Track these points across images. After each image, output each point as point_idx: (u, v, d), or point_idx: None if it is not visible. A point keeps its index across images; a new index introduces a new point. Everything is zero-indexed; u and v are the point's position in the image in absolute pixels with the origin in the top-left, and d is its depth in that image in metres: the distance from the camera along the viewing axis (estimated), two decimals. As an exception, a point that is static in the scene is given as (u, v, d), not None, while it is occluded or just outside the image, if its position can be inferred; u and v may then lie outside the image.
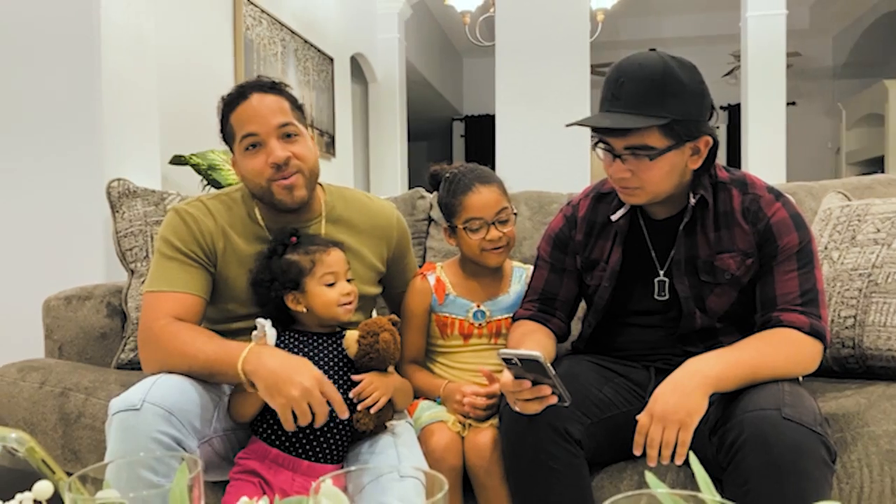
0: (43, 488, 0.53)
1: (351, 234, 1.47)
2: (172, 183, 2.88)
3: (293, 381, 1.17)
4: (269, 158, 1.33)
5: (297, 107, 1.40)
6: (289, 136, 1.35)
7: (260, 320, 1.31)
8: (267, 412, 1.28)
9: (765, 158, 5.08)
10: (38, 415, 1.63)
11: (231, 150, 1.42)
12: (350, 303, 1.35)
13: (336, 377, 1.32)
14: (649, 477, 0.46)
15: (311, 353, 1.32)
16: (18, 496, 0.58)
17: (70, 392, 1.63)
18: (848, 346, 1.51)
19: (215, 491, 1.45)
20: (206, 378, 1.24)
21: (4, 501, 0.59)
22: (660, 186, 1.29)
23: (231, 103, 1.37)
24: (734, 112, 8.04)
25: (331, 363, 1.32)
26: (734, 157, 7.62)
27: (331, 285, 1.33)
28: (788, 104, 5.40)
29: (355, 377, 1.32)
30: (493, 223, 1.49)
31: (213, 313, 1.42)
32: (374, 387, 1.31)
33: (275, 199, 1.36)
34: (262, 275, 1.35)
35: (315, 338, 1.35)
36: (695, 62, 1.29)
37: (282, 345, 1.31)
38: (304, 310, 1.33)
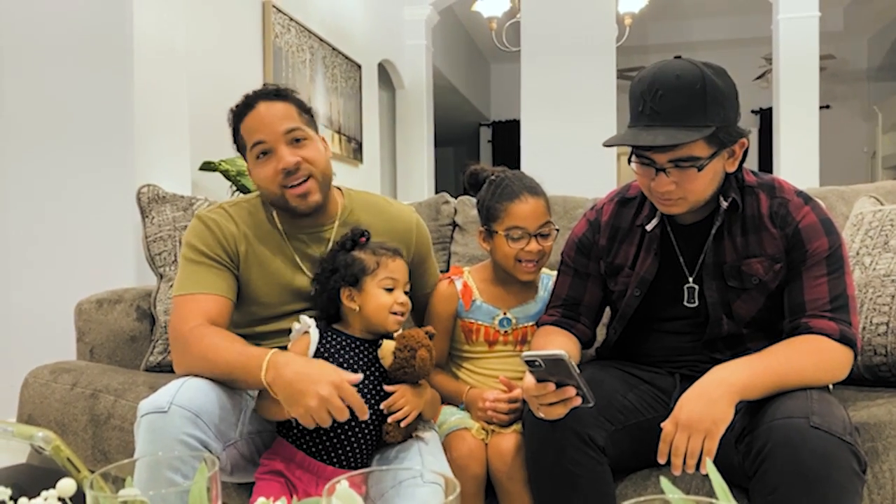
0: (66, 486, 0.54)
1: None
2: (202, 189, 2.92)
3: (310, 392, 1.15)
4: (279, 165, 1.35)
5: (306, 111, 1.43)
6: (297, 140, 1.37)
7: (304, 317, 1.32)
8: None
9: (797, 163, 4.99)
10: (69, 416, 1.66)
11: (245, 159, 1.45)
12: (402, 314, 1.35)
13: (369, 385, 1.31)
14: (664, 482, 0.45)
15: (348, 358, 1.31)
16: (44, 493, 0.59)
17: (100, 394, 1.66)
18: (880, 354, 1.47)
19: (241, 493, 1.46)
20: (228, 383, 1.25)
21: (30, 499, 0.60)
22: (703, 195, 1.27)
23: (239, 114, 1.40)
24: (766, 116, 7.93)
25: (365, 371, 1.32)
26: (766, 162, 7.50)
27: (389, 291, 1.34)
28: (822, 108, 5.30)
29: (388, 388, 1.32)
30: (535, 235, 1.47)
31: (236, 317, 1.43)
32: (406, 400, 1.31)
33: (290, 206, 1.39)
34: (326, 266, 1.37)
35: (355, 343, 1.34)
36: (725, 66, 1.27)
37: (321, 347, 1.31)
38: (357, 308, 1.33)
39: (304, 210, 1.39)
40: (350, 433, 1.27)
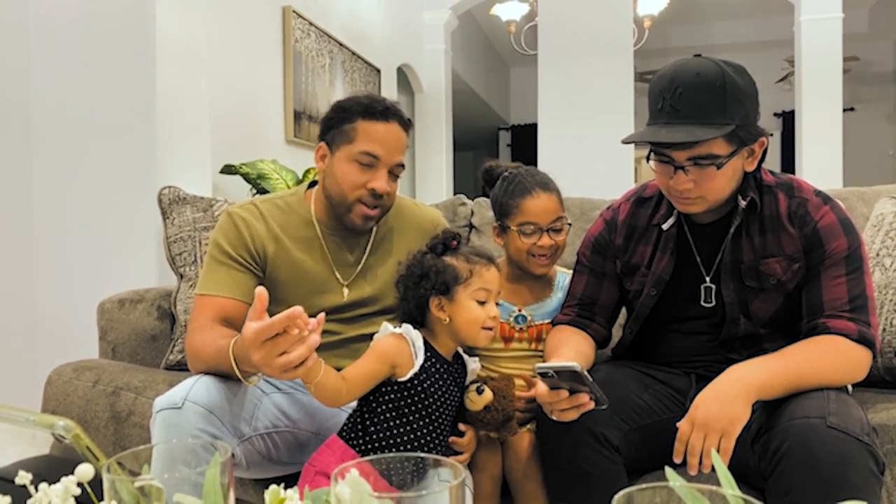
0: (84, 471, 0.55)
1: (398, 240, 1.52)
2: (223, 192, 2.96)
3: (247, 352, 1.07)
4: (372, 183, 1.37)
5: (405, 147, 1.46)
6: (395, 176, 1.41)
7: (409, 327, 1.26)
8: (362, 427, 1.24)
9: (820, 166, 4.93)
10: (91, 412, 1.69)
11: (329, 141, 1.42)
12: (493, 328, 1.27)
13: (450, 409, 1.28)
14: (668, 471, 0.46)
15: (442, 384, 1.26)
16: (64, 479, 0.61)
17: (121, 391, 1.69)
18: (901, 356, 1.45)
19: (257, 489, 1.48)
20: (227, 376, 1.23)
21: (50, 484, 0.62)
22: (721, 193, 1.26)
23: (371, 113, 1.38)
24: (788, 119, 7.84)
25: (451, 399, 1.28)
26: (788, 166, 7.41)
27: (481, 303, 1.26)
28: (846, 110, 5.24)
29: (462, 427, 1.31)
30: (547, 230, 1.49)
31: None
32: (471, 446, 1.32)
33: (346, 216, 1.40)
34: (414, 269, 1.28)
35: (447, 366, 1.29)
36: (747, 68, 1.26)
37: (427, 362, 1.25)
38: (447, 319, 1.25)
39: (357, 228, 1.42)
40: (417, 448, 1.25)
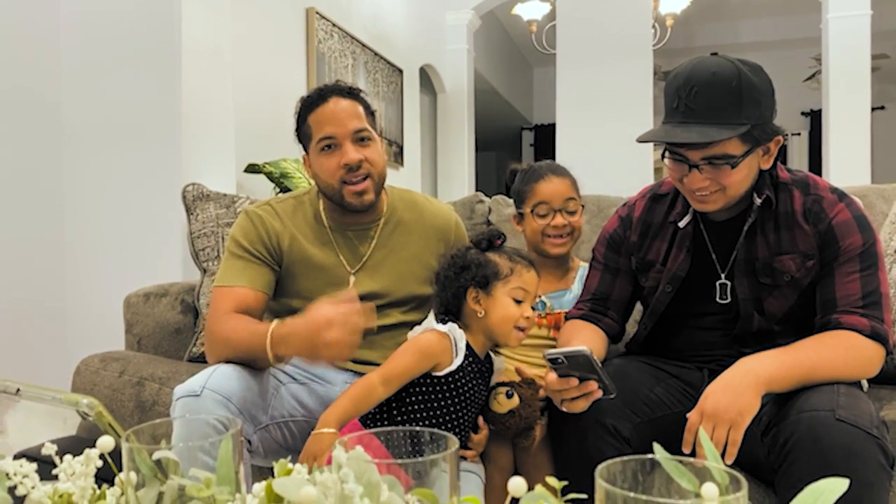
0: (105, 442, 0.59)
1: (409, 233, 1.53)
2: (246, 190, 3.01)
3: (329, 322, 1.14)
4: (343, 159, 1.40)
5: (370, 112, 1.48)
6: (362, 140, 1.43)
7: (455, 326, 1.28)
8: (388, 416, 1.26)
9: (848, 166, 4.86)
10: (117, 402, 1.74)
11: (305, 148, 1.49)
12: (526, 329, 1.30)
13: (473, 411, 1.30)
14: (656, 446, 0.47)
15: (474, 378, 1.29)
16: (87, 451, 0.64)
17: (146, 382, 1.74)
18: (918, 353, 1.44)
19: (275, 477, 1.51)
20: (250, 363, 1.29)
21: (75, 456, 0.65)
22: (737, 191, 1.27)
23: (311, 105, 1.44)
24: (816, 118, 7.73)
25: (478, 396, 1.30)
26: (816, 165, 7.31)
27: (518, 303, 1.29)
28: (875, 109, 5.16)
29: (481, 423, 1.33)
30: (560, 210, 1.55)
31: (277, 308, 1.49)
32: (482, 445, 1.34)
33: (344, 202, 1.44)
34: (457, 260, 1.32)
35: (479, 365, 1.31)
36: (774, 67, 1.26)
37: (464, 360, 1.27)
38: (481, 313, 1.29)
39: (358, 207, 1.44)
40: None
